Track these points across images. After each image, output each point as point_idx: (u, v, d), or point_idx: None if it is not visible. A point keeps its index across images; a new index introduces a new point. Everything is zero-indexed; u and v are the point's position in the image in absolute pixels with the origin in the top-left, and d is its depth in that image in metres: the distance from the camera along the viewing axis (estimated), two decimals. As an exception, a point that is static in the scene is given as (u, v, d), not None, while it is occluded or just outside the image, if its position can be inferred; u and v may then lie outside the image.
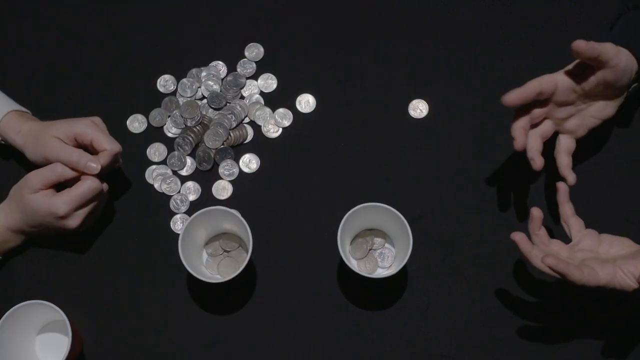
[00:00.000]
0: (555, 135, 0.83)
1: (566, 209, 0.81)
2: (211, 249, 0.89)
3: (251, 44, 1.00)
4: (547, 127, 0.81)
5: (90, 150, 0.85)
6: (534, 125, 0.81)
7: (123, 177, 0.93)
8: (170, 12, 1.02)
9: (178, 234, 0.83)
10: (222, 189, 0.93)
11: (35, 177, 0.82)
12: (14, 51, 1.00)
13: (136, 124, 0.96)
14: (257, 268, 0.89)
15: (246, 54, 0.99)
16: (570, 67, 0.80)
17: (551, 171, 0.84)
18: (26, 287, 0.88)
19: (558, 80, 0.79)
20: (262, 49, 1.00)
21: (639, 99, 0.88)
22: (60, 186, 0.84)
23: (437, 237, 0.89)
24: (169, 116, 0.96)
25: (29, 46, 1.00)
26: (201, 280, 0.81)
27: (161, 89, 0.98)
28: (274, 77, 0.98)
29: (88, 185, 0.82)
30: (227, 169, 0.93)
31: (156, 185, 0.93)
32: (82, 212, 0.83)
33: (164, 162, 0.94)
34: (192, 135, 0.94)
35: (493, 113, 0.94)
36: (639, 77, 0.81)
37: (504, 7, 1.01)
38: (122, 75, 0.98)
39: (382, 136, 0.95)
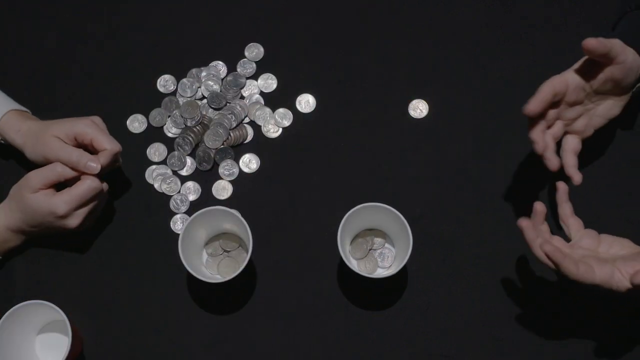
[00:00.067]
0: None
1: (565, 209, 0.81)
2: (211, 249, 0.89)
3: (251, 44, 1.00)
4: (558, 128, 0.82)
5: (90, 149, 0.85)
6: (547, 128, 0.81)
7: (123, 177, 0.93)
8: (170, 12, 1.02)
9: (178, 234, 0.83)
10: (222, 189, 0.93)
11: (35, 177, 0.82)
12: (14, 51, 1.00)
13: (136, 124, 0.96)
14: (257, 268, 0.89)
15: (246, 54, 0.99)
16: (577, 65, 0.80)
17: (552, 172, 0.84)
18: (26, 287, 0.88)
19: (569, 79, 0.79)
20: (262, 49, 1.00)
21: None
22: (60, 186, 0.84)
23: (437, 237, 0.89)
24: (169, 116, 0.96)
25: (29, 46, 1.00)
26: (201, 280, 0.81)
27: (161, 89, 0.98)
28: (274, 77, 0.98)
29: (88, 185, 0.82)
30: (227, 169, 0.93)
31: (156, 185, 0.93)
32: (82, 212, 0.83)
33: (164, 162, 0.94)
34: (192, 135, 0.94)
35: (493, 113, 0.94)
36: None
37: (504, 7, 1.01)
38: (122, 75, 0.98)
39: (382, 136, 0.95)
